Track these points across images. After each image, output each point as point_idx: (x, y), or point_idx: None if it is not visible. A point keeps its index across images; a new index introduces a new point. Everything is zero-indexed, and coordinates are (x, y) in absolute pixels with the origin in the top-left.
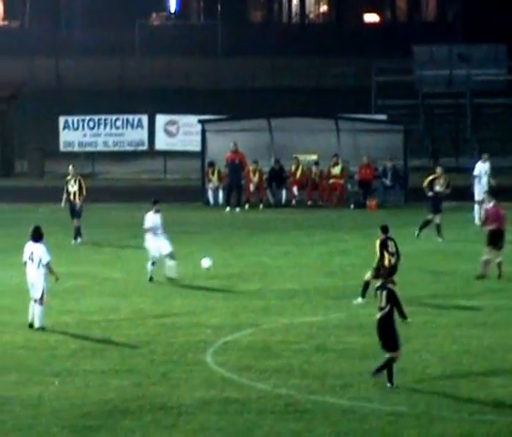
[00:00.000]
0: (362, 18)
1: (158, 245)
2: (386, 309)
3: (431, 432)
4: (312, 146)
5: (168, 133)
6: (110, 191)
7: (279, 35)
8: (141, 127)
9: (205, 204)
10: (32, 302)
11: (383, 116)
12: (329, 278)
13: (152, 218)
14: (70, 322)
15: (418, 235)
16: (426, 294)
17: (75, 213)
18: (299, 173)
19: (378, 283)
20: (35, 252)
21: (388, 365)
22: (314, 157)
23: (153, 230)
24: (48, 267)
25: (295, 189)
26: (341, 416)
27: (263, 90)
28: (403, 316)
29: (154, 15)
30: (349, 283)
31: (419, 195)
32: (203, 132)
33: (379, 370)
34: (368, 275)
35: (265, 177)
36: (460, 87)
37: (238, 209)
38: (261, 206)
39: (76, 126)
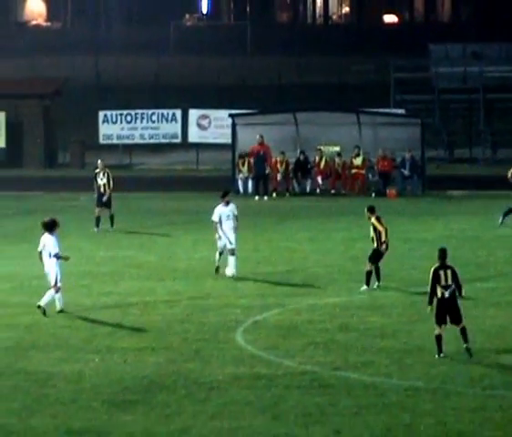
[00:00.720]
0: (381, 19)
1: (227, 235)
2: (453, 286)
3: (446, 406)
4: (335, 138)
5: (200, 126)
6: (146, 181)
7: (303, 35)
8: (175, 120)
9: (235, 193)
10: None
11: (401, 111)
12: (351, 261)
13: (221, 211)
14: (109, 303)
15: (502, 222)
16: None
17: (105, 204)
18: (323, 164)
19: (437, 264)
20: (47, 243)
21: (464, 333)
22: (337, 149)
23: (223, 222)
24: (58, 256)
25: (319, 179)
26: (362, 391)
27: (289, 86)
28: (460, 293)
29: (187, 15)
30: None
31: (436, 184)
32: (233, 125)
33: (466, 340)
34: (368, 266)
35: (291, 167)
36: (474, 83)
37: (266, 198)
38: (288, 194)
39: (114, 120)
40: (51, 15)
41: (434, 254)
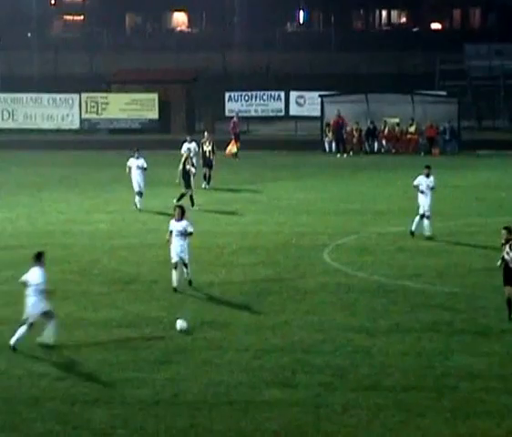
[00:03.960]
0: (429, 26)
1: (423, 202)
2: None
3: (476, 306)
4: (395, 112)
5: (298, 104)
6: (259, 143)
7: (373, 37)
8: (280, 99)
9: (323, 151)
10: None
11: (443, 93)
12: (407, 201)
13: (422, 180)
14: (233, 231)
15: None
16: (473, 213)
17: (209, 165)
18: (386, 131)
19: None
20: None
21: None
22: (397, 120)
23: (423, 190)
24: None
25: (384, 142)
26: (415, 295)
27: (362, 75)
28: None
29: (289, 24)
30: None
31: (469, 145)
32: (322, 103)
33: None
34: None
35: (363, 133)
36: (496, 73)
37: (345, 155)
38: (361, 153)
39: (236, 98)
40: (191, 23)
41: (464, 196)
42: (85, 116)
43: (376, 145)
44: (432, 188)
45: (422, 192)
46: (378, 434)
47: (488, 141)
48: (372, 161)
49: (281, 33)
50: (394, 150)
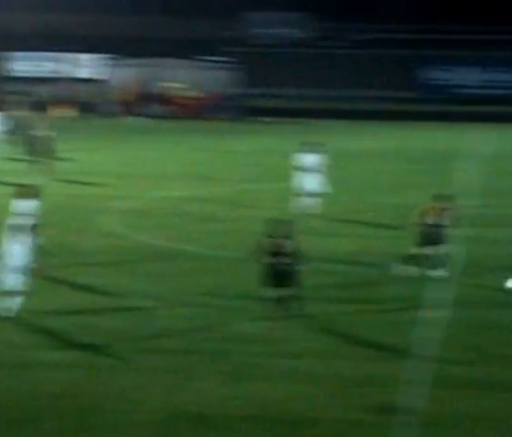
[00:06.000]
0: None
1: None
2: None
3: (255, 270)
4: (176, 77)
5: (79, 66)
6: (41, 104)
7: (156, 1)
8: (65, 61)
9: (106, 115)
10: None
11: (226, 58)
12: (190, 166)
13: None
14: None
15: None
16: (251, 179)
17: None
18: (168, 95)
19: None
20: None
21: None
22: (178, 85)
23: None
24: None
25: (165, 106)
26: (195, 259)
27: (145, 38)
28: None
29: None
30: None
31: (253, 112)
32: (105, 66)
33: None
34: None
35: (145, 97)
36: (283, 41)
37: (128, 119)
38: (142, 116)
39: (19, 59)
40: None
41: (244, 162)
42: None
43: (158, 109)
44: None
45: None
46: (157, 395)
47: (273, 109)
48: (153, 125)
49: None
50: (175, 115)
